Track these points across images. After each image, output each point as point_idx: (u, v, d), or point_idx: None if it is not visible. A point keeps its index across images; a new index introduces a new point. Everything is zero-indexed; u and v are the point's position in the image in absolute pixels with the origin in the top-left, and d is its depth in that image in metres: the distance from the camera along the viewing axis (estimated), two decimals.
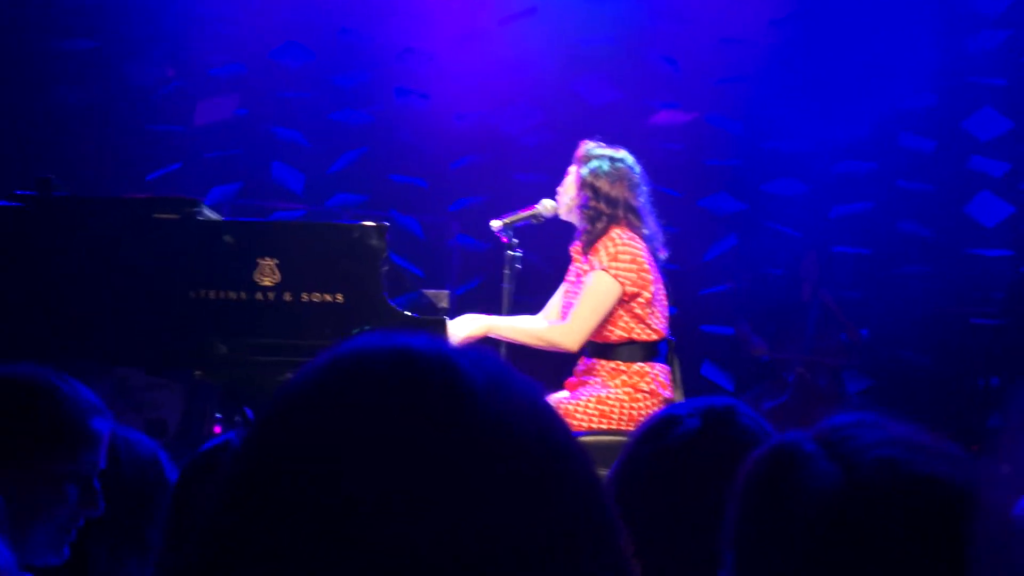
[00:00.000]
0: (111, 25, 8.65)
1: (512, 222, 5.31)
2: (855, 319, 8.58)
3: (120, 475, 2.32)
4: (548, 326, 5.16)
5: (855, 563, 1.05)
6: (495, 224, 5.33)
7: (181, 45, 8.76)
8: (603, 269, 4.99)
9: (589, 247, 5.08)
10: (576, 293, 5.11)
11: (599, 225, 5.06)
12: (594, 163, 5.12)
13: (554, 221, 5.39)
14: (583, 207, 5.09)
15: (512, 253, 5.32)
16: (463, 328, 5.02)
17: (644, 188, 5.18)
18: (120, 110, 8.65)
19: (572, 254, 5.25)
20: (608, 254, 5.00)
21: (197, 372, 4.61)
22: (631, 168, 5.16)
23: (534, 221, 5.35)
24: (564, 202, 5.20)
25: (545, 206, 5.33)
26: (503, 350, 5.33)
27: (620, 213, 5.06)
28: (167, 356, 4.64)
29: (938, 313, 8.49)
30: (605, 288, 4.97)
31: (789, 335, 8.48)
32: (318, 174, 8.83)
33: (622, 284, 4.96)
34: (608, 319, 5.02)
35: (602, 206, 5.06)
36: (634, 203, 5.11)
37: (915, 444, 1.14)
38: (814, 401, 8.08)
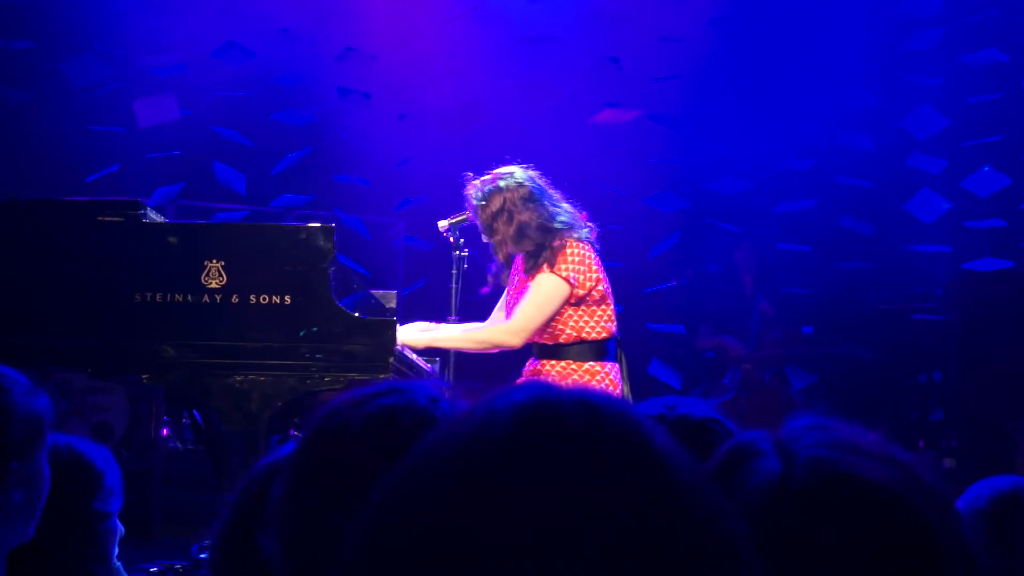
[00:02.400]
0: (50, 24, 8.56)
1: (459, 222, 5.31)
2: (798, 315, 8.66)
3: (53, 499, 2.22)
4: (490, 327, 5.15)
5: (782, 557, 1.08)
6: (442, 224, 5.33)
7: (121, 45, 8.68)
8: (552, 271, 5.00)
9: (535, 268, 5.06)
10: (521, 292, 5.10)
11: (546, 251, 5.02)
12: (494, 206, 5.03)
13: None
14: (519, 240, 4.99)
15: (459, 253, 5.32)
16: (405, 337, 5.00)
17: (543, 188, 5.09)
18: (60, 110, 8.56)
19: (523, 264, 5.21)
20: (558, 262, 4.99)
21: (144, 376, 4.56)
22: (519, 184, 5.06)
23: None
24: (502, 250, 5.07)
25: None
26: (451, 355, 5.35)
27: (549, 229, 5.01)
28: (114, 360, 4.59)
29: (880, 309, 8.59)
30: (551, 286, 4.97)
31: (733, 331, 8.54)
32: (261, 174, 8.79)
33: (570, 283, 4.96)
34: (558, 320, 5.01)
35: (531, 228, 4.98)
36: (550, 206, 5.05)
37: (852, 446, 1.17)
38: (760, 397, 8.15)
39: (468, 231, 5.36)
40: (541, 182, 5.12)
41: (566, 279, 4.96)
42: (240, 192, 8.73)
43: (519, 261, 5.15)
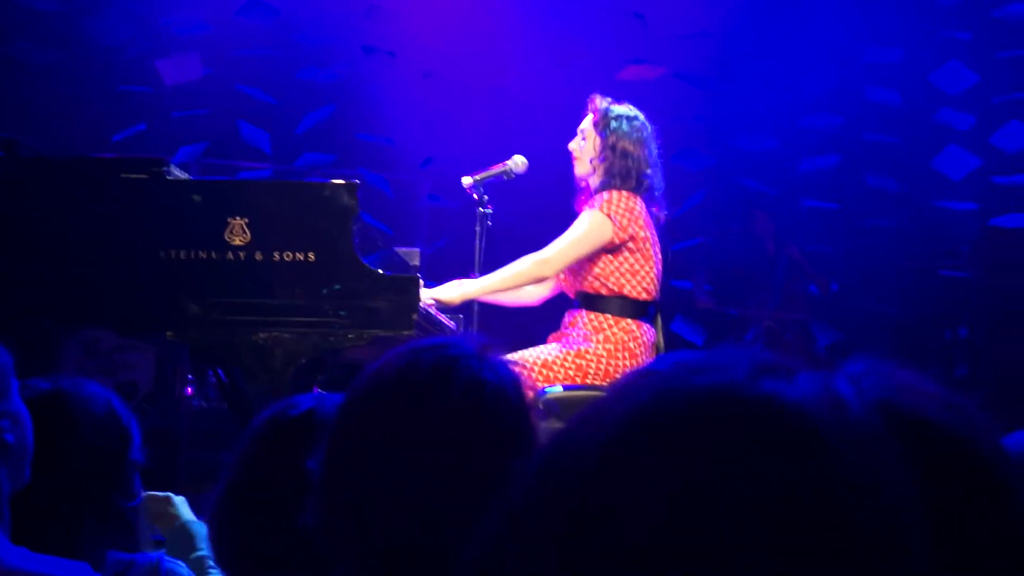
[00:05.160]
0: None
1: (483, 179, 5.30)
2: (824, 273, 8.62)
3: (77, 439, 2.32)
4: (520, 259, 5.09)
5: None
6: (466, 181, 5.32)
7: (145, 5, 8.68)
8: (595, 208, 5.01)
9: (597, 190, 5.11)
10: None
11: (623, 183, 5.06)
12: (614, 124, 5.11)
13: (525, 177, 5.38)
14: (608, 169, 5.07)
15: (483, 210, 5.31)
16: (442, 295, 5.00)
17: (656, 148, 5.20)
18: (86, 69, 8.57)
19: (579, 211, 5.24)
20: (604, 201, 5.01)
21: (168, 333, 4.57)
22: (645, 126, 5.18)
23: (505, 177, 5.33)
24: (584, 162, 5.15)
25: (516, 162, 5.31)
26: (475, 313, 5.34)
27: (639, 176, 5.06)
28: (138, 317, 4.61)
29: (906, 266, 8.55)
30: (593, 222, 4.99)
31: (757, 289, 8.52)
32: (285, 133, 8.79)
33: (612, 221, 4.96)
34: (603, 268, 5.02)
35: (629, 163, 5.06)
36: (651, 162, 5.12)
37: (914, 389, 1.18)
38: (784, 354, 8.12)
39: (492, 188, 5.35)
40: (656, 147, 5.23)
41: (608, 215, 4.96)
42: (265, 151, 8.74)
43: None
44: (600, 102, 5.21)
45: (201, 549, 2.78)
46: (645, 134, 5.16)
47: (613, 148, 5.08)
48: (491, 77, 8.79)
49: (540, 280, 5.10)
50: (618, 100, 5.24)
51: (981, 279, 7.62)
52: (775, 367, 0.86)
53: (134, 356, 6.71)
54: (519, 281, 5.06)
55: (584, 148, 5.17)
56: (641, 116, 5.20)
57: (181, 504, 2.83)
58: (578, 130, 5.22)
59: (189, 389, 7.08)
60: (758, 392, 0.83)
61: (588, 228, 4.99)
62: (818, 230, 8.80)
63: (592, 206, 5.04)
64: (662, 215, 5.22)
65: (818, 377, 0.87)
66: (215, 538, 2.01)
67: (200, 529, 2.84)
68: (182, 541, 2.81)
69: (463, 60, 8.78)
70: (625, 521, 0.79)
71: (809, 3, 8.81)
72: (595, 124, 5.16)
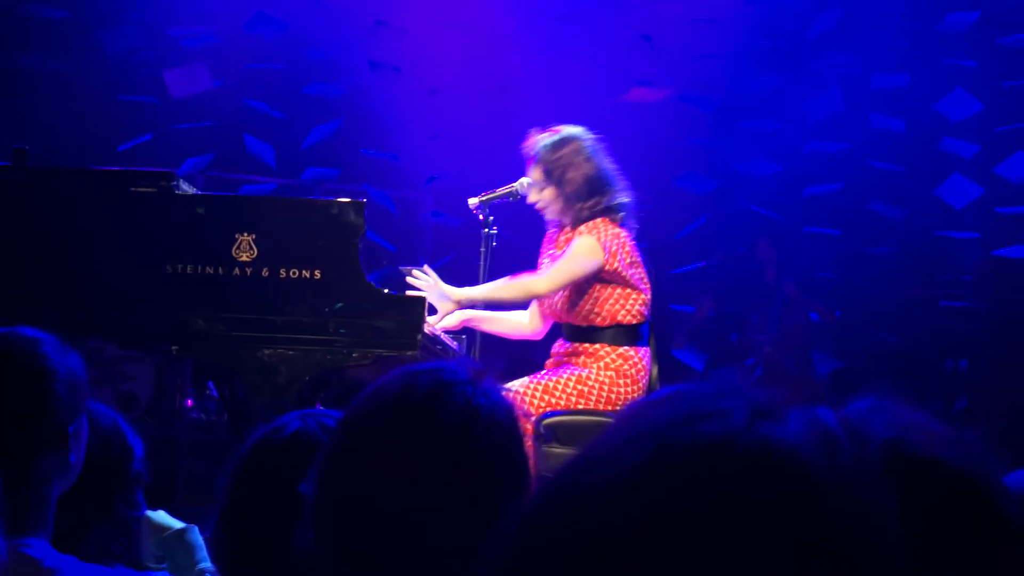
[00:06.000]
0: None
1: (489, 199, 5.30)
2: (826, 299, 8.63)
3: (106, 463, 2.38)
4: (521, 279, 5.13)
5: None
6: (472, 202, 5.32)
7: (153, 16, 8.70)
8: (589, 233, 5.01)
9: (575, 226, 5.08)
10: (556, 258, 5.13)
11: (587, 207, 5.04)
12: (556, 160, 5.06)
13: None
14: (579, 197, 5.04)
15: (488, 231, 5.32)
16: (445, 287, 5.00)
17: (603, 153, 5.15)
18: (92, 79, 8.59)
19: (557, 237, 5.23)
20: (596, 229, 5.01)
21: (174, 347, 4.58)
22: (580, 138, 5.12)
23: (511, 199, 5.33)
24: (554, 208, 5.11)
25: (522, 183, 5.31)
26: (478, 335, 5.36)
27: (609, 194, 5.04)
28: (143, 330, 4.62)
29: (908, 295, 8.55)
30: (586, 246, 4.99)
31: (758, 314, 8.52)
32: (291, 147, 8.80)
33: (604, 249, 4.97)
34: (595, 301, 5.03)
35: (594, 185, 5.04)
36: (611, 177, 5.09)
37: (921, 428, 1.18)
38: (784, 382, 8.14)
39: (498, 209, 5.36)
40: (604, 155, 5.16)
41: (601, 244, 4.97)
42: (270, 164, 8.75)
43: (549, 237, 5.18)
44: (532, 146, 5.14)
45: (202, 561, 2.79)
46: (590, 147, 5.11)
47: (572, 182, 5.04)
48: (497, 95, 8.80)
49: (531, 297, 5.09)
50: (544, 127, 5.19)
51: (983, 310, 7.63)
52: (769, 409, 0.88)
53: (135, 367, 6.71)
54: (513, 293, 5.05)
55: (544, 196, 5.13)
56: (577, 130, 5.16)
57: (161, 516, 2.85)
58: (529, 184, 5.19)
59: (189, 401, 7.09)
60: (756, 439, 0.85)
61: (584, 252, 5.01)
62: (820, 256, 8.81)
63: (581, 233, 5.04)
64: (634, 227, 5.18)
65: (811, 416, 0.88)
66: (216, 557, 2.04)
67: (196, 538, 2.85)
68: (180, 552, 2.82)
69: (469, 78, 8.80)
70: (640, 558, 0.81)
71: (816, 29, 8.84)
72: (545, 172, 5.10)
